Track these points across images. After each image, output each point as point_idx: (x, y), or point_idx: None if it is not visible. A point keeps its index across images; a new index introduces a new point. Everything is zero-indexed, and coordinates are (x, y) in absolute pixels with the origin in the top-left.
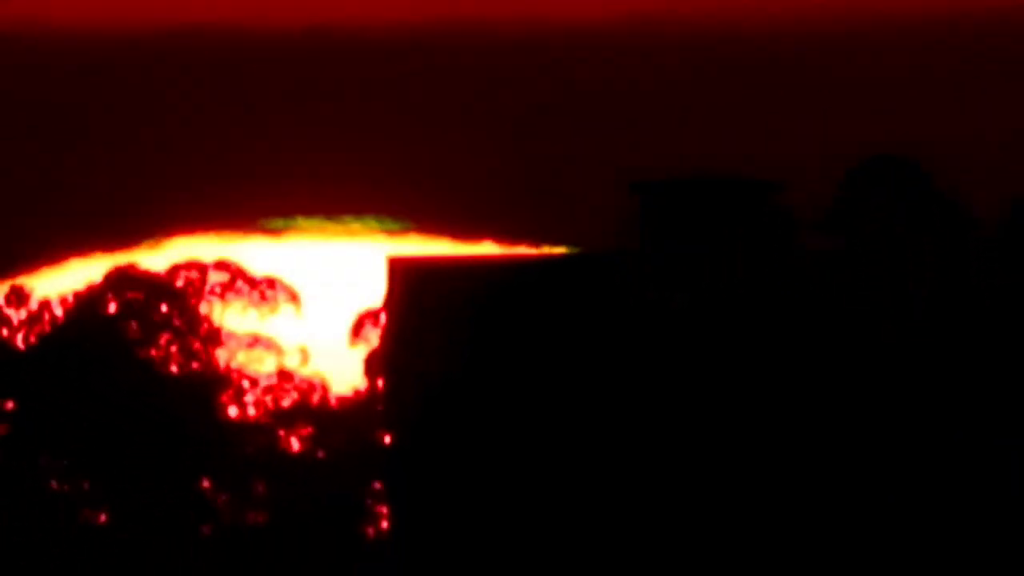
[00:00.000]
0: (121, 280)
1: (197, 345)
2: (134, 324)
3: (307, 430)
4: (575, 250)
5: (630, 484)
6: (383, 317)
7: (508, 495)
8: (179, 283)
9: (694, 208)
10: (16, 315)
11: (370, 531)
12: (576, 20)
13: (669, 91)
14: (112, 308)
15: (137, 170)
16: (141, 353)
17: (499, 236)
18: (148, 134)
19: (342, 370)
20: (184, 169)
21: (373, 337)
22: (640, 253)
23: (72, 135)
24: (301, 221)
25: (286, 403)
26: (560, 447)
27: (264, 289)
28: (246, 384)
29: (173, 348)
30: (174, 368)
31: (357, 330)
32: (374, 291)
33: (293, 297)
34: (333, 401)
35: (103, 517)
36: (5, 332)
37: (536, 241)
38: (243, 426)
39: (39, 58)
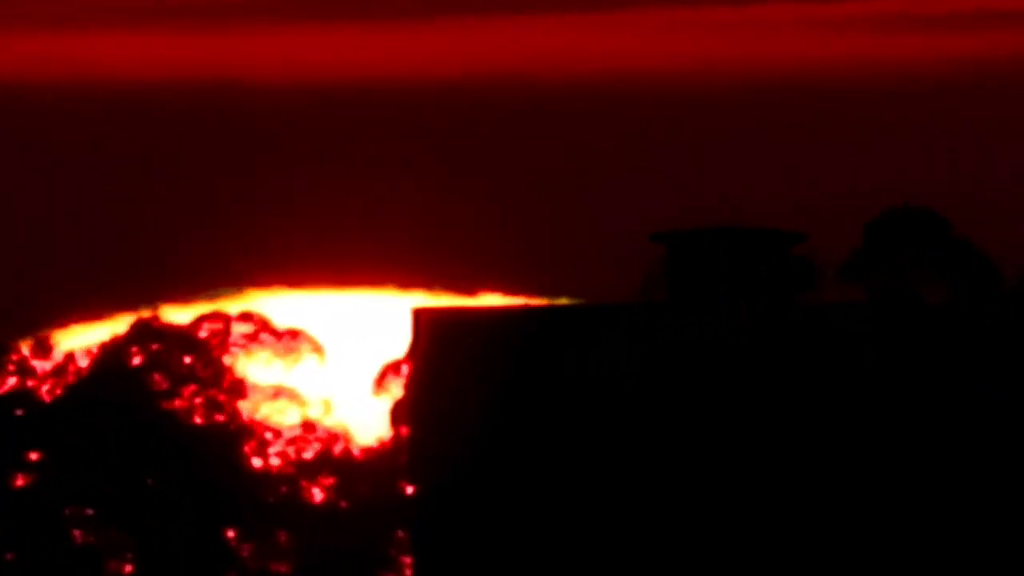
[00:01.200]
0: (145, 331)
1: (221, 397)
2: (158, 376)
3: (330, 480)
4: (594, 302)
5: (658, 539)
6: (406, 368)
7: (533, 547)
8: (203, 334)
9: (715, 257)
10: (41, 366)
11: None
12: (587, 74)
13: (687, 143)
14: (137, 360)
15: (158, 227)
16: (165, 404)
17: (511, 290)
18: (176, 188)
19: (365, 421)
20: (183, 234)
21: (396, 388)
22: (662, 303)
23: (94, 190)
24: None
25: (309, 454)
26: (585, 499)
27: (288, 341)
28: (269, 435)
29: (198, 400)
30: (198, 419)
31: (380, 381)
32: (396, 343)
33: (317, 349)
34: (356, 451)
35: (129, 568)
36: (30, 383)
37: (551, 294)
38: (267, 476)
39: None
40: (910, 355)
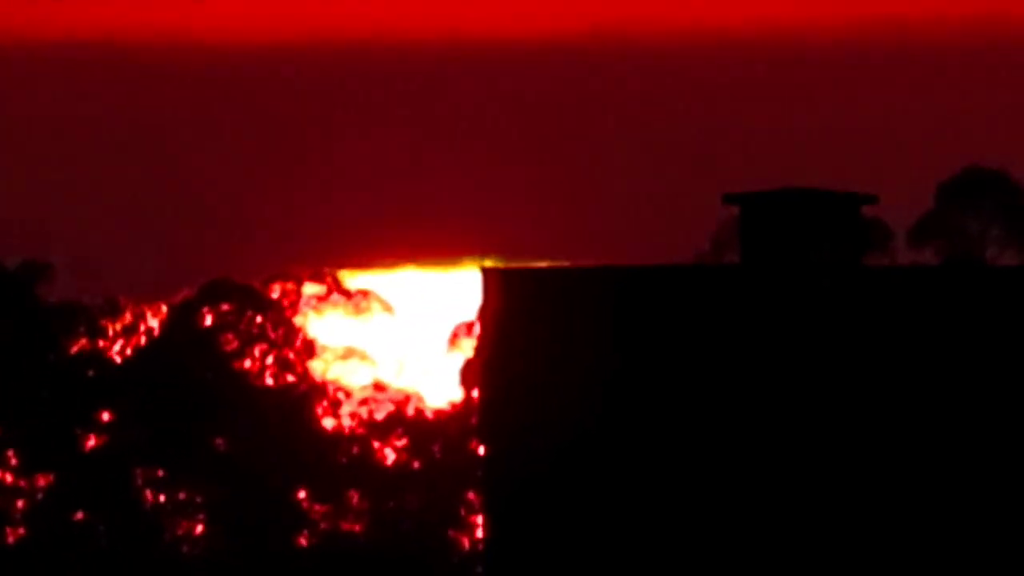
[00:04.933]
0: (216, 291)
1: (292, 357)
2: (229, 336)
3: (402, 441)
4: (666, 263)
5: (734, 500)
6: (477, 327)
7: (606, 507)
8: (274, 294)
9: (786, 219)
10: (112, 327)
11: (464, 541)
12: (656, 36)
13: (759, 103)
14: (208, 320)
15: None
16: (236, 365)
17: (581, 254)
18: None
19: (437, 382)
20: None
21: (468, 348)
22: (733, 265)
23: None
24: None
25: (381, 415)
26: (657, 457)
27: (359, 300)
28: (341, 396)
29: (268, 360)
30: (269, 380)
31: (452, 341)
32: (465, 311)
33: (387, 308)
34: (428, 412)
35: (199, 528)
36: (101, 343)
37: (621, 257)
38: (338, 437)
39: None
40: (980, 320)
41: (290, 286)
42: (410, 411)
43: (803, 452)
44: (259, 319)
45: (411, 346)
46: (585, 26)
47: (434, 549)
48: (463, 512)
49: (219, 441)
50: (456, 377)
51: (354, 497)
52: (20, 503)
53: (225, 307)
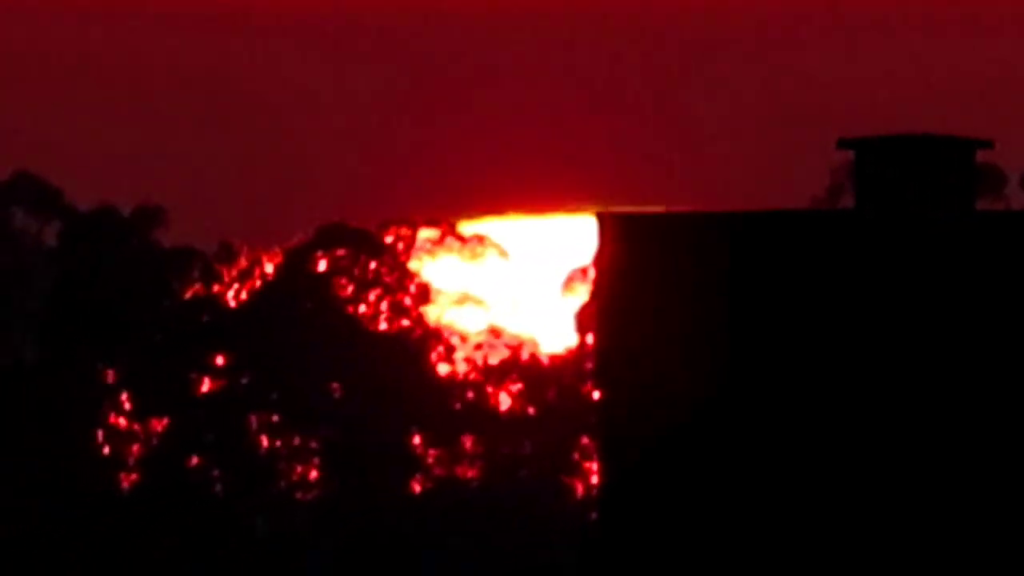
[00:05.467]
0: (331, 236)
1: (407, 302)
2: (344, 280)
3: (517, 386)
4: (781, 207)
5: (856, 450)
6: (592, 272)
7: (722, 451)
8: (389, 239)
9: (901, 164)
10: (227, 272)
11: (578, 487)
12: None
13: (879, 49)
14: (322, 265)
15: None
16: (351, 309)
17: (698, 200)
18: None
19: (552, 327)
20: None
21: (582, 293)
22: (849, 211)
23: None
24: None
25: (495, 360)
26: (775, 404)
27: (474, 246)
28: (456, 341)
29: (383, 305)
30: (384, 325)
31: (567, 286)
32: (582, 252)
33: (502, 254)
34: (543, 357)
35: (314, 473)
36: (216, 288)
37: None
38: (453, 382)
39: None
40: None
41: (404, 231)
42: (525, 356)
43: (917, 394)
44: (373, 264)
45: (526, 291)
46: None
47: (548, 494)
48: (577, 457)
49: (334, 386)
50: (571, 322)
51: (468, 442)
52: (135, 448)
53: (340, 252)
